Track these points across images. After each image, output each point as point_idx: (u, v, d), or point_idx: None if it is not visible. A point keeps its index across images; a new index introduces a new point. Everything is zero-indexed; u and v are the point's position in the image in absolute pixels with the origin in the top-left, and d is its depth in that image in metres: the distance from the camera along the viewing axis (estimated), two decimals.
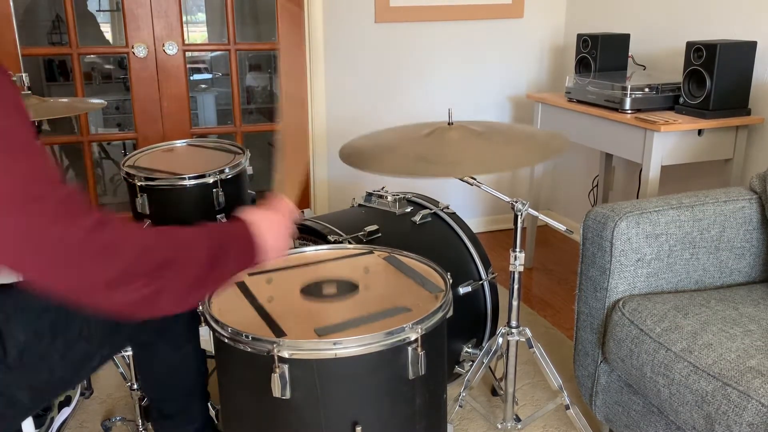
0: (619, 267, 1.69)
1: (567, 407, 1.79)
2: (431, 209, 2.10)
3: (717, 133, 2.45)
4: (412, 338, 1.20)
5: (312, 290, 1.41)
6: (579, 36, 2.96)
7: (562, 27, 3.55)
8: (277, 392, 1.16)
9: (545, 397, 2.14)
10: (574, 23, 3.47)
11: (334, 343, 1.15)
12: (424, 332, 1.21)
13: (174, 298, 0.99)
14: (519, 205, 1.67)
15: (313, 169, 3.39)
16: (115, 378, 2.26)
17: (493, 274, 2.06)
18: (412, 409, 1.26)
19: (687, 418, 1.44)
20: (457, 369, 2.05)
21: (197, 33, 5.06)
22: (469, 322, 2.03)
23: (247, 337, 1.18)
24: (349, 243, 1.81)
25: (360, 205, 2.18)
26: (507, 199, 1.70)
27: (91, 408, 2.11)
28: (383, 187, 2.19)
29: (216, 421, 1.59)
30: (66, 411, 2.02)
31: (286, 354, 1.15)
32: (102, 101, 2.36)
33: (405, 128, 1.73)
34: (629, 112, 2.50)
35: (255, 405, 1.24)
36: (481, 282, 2.03)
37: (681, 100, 2.46)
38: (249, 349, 1.18)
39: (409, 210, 2.09)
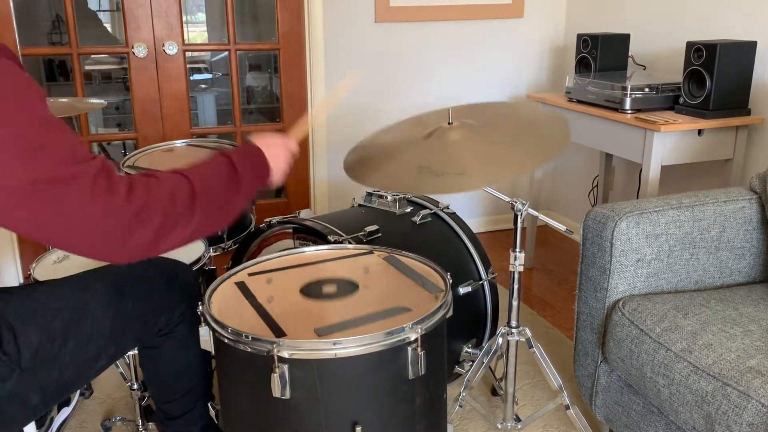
0: (619, 267, 1.69)
1: (567, 407, 1.79)
2: (431, 209, 2.10)
3: (717, 133, 2.45)
4: (412, 338, 1.20)
5: (312, 290, 1.41)
6: (579, 36, 2.96)
7: (562, 27, 3.55)
8: (277, 392, 1.16)
9: (545, 397, 2.14)
10: (574, 23, 3.47)
11: (334, 343, 1.15)
12: (424, 332, 1.21)
13: (211, 224, 1.12)
14: (519, 205, 1.67)
15: (313, 169, 3.39)
16: (115, 378, 2.26)
17: (493, 274, 2.06)
18: (412, 409, 1.26)
19: (687, 418, 1.44)
20: (457, 369, 2.05)
21: (197, 33, 5.06)
22: (469, 322, 2.03)
23: (247, 337, 1.18)
24: (349, 243, 1.81)
25: (360, 205, 2.18)
26: (507, 199, 1.70)
27: (91, 408, 2.11)
28: None
29: (216, 421, 1.59)
30: (66, 411, 2.02)
31: (286, 354, 1.15)
32: (102, 101, 2.36)
33: (404, 125, 1.73)
34: (629, 112, 2.50)
35: (255, 405, 1.24)
36: (481, 282, 2.03)
37: (681, 100, 2.46)
38: (249, 349, 1.18)
39: (409, 210, 2.09)
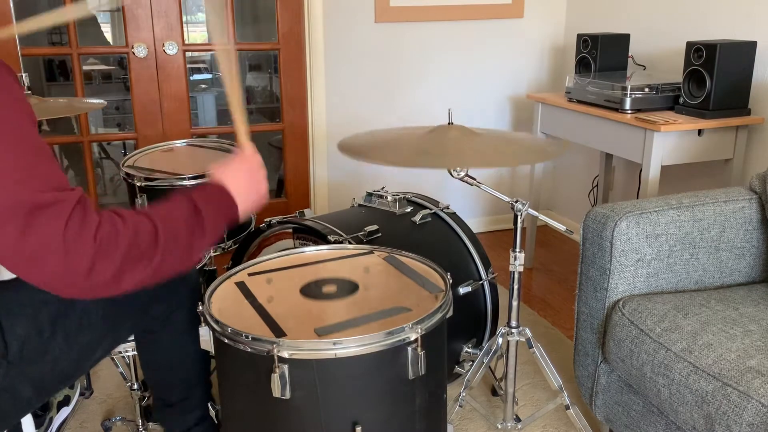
0: (619, 267, 1.69)
1: (567, 407, 1.79)
2: (431, 209, 2.10)
3: (717, 133, 2.45)
4: (412, 338, 1.20)
5: (312, 290, 1.41)
6: (579, 36, 2.96)
7: (562, 27, 3.55)
8: (277, 392, 1.16)
9: (545, 397, 2.14)
10: (574, 23, 3.47)
11: (334, 343, 1.15)
12: (424, 332, 1.21)
13: (178, 259, 1.11)
14: (519, 205, 1.67)
15: (313, 169, 3.39)
16: (115, 378, 2.26)
17: (493, 274, 2.06)
18: (412, 409, 1.26)
19: (687, 418, 1.44)
20: (457, 369, 2.05)
21: (197, 33, 5.05)
22: (469, 322, 2.03)
23: (247, 337, 1.18)
24: (349, 243, 1.81)
25: (360, 205, 2.18)
26: (507, 199, 1.70)
27: (91, 408, 2.11)
28: (383, 187, 2.19)
29: (216, 421, 1.59)
30: (65, 411, 2.02)
31: (286, 354, 1.15)
32: (102, 101, 2.36)
33: (405, 128, 1.73)
34: (629, 112, 2.50)
35: (255, 405, 1.24)
36: (481, 282, 2.03)
37: (681, 100, 2.46)
38: (249, 349, 1.18)
39: (409, 210, 2.09)
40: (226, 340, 1.22)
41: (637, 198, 2.77)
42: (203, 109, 4.75)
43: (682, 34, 2.78)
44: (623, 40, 2.90)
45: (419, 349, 1.20)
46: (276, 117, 3.55)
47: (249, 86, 4.91)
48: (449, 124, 1.64)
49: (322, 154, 3.35)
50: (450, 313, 1.32)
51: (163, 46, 3.08)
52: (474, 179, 1.74)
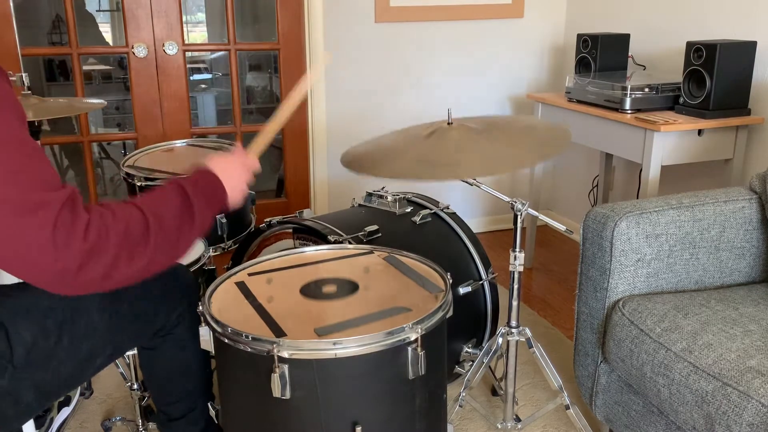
0: (619, 267, 1.69)
1: (567, 407, 1.79)
2: (431, 209, 2.10)
3: (717, 133, 2.45)
4: (412, 338, 1.20)
5: (312, 290, 1.41)
6: (579, 36, 2.96)
7: (562, 27, 3.55)
8: (277, 392, 1.16)
9: (545, 397, 2.14)
10: (574, 23, 3.47)
11: (334, 343, 1.15)
12: (424, 332, 1.21)
13: (165, 255, 1.11)
14: (519, 205, 1.67)
15: (313, 169, 3.39)
16: (115, 378, 2.26)
17: (493, 274, 2.06)
18: (412, 409, 1.26)
19: (687, 418, 1.44)
20: (457, 369, 2.05)
21: (197, 33, 5.06)
22: (469, 322, 2.03)
23: (247, 337, 1.18)
24: (349, 243, 1.81)
25: (360, 205, 2.18)
26: (507, 199, 1.70)
27: (91, 408, 2.11)
28: (383, 187, 2.19)
29: (216, 421, 1.59)
30: (66, 411, 2.02)
31: (286, 354, 1.15)
32: (102, 101, 2.36)
33: (405, 131, 1.73)
34: (629, 112, 2.50)
35: (255, 405, 1.24)
36: (481, 282, 2.03)
37: (681, 100, 2.46)
38: (249, 349, 1.18)
39: (409, 210, 2.09)
40: (226, 340, 1.22)
41: (637, 198, 2.77)
42: (203, 109, 4.75)
43: (682, 34, 2.78)
44: (623, 40, 2.90)
45: (419, 349, 1.20)
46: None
47: (249, 86, 4.91)
48: (449, 124, 1.64)
49: (322, 154, 3.35)
50: (450, 313, 1.32)
51: (163, 46, 3.08)
52: (474, 179, 1.74)
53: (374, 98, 3.36)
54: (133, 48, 3.05)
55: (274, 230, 2.01)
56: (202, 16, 5.04)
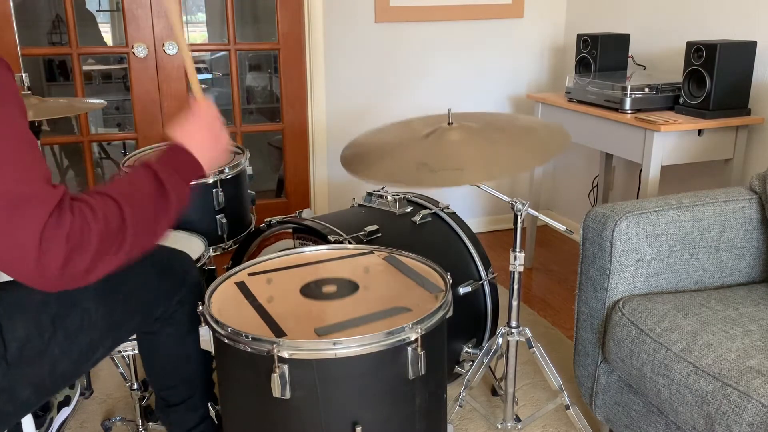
0: (619, 267, 1.69)
1: (567, 407, 1.79)
2: (431, 209, 2.10)
3: (717, 133, 2.45)
4: (412, 338, 1.20)
5: (312, 290, 1.41)
6: (579, 36, 2.96)
7: (562, 27, 3.55)
8: (277, 392, 1.16)
9: (545, 397, 2.14)
10: (574, 23, 3.47)
11: (334, 343, 1.15)
12: (424, 332, 1.21)
13: (147, 237, 1.11)
14: (519, 205, 1.67)
15: (313, 169, 3.39)
16: (115, 378, 2.26)
17: (493, 274, 2.06)
18: (412, 409, 1.26)
19: (687, 418, 1.44)
20: (457, 369, 2.05)
21: (197, 33, 5.06)
22: (469, 322, 2.03)
23: (247, 337, 1.18)
24: (349, 243, 1.81)
25: (360, 205, 2.18)
26: (507, 199, 1.70)
27: (91, 408, 2.11)
28: (383, 187, 2.19)
29: (217, 421, 1.59)
30: (66, 411, 2.02)
31: (286, 354, 1.15)
32: (102, 101, 2.36)
33: (404, 125, 1.73)
34: (629, 112, 2.50)
35: (255, 405, 1.24)
36: (481, 282, 2.03)
37: (681, 100, 2.46)
38: (249, 349, 1.18)
39: (409, 210, 2.09)
40: (226, 340, 1.22)
41: (637, 198, 2.77)
42: None
43: (682, 34, 2.79)
44: (623, 40, 2.90)
45: (419, 349, 1.20)
46: (276, 117, 3.55)
47: (249, 86, 4.91)
48: (449, 124, 1.64)
49: (322, 154, 3.35)
50: (450, 313, 1.32)
51: (163, 46, 3.08)
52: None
53: (374, 98, 3.36)
54: (133, 48, 3.05)
55: (274, 230, 2.01)
56: (202, 16, 5.05)
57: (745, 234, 1.79)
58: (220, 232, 2.12)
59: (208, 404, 1.60)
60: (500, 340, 1.80)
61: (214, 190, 2.05)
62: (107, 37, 4.66)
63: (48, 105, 2.24)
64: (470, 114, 1.78)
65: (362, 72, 3.30)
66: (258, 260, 1.57)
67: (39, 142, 2.44)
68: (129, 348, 1.63)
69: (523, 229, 1.74)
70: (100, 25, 4.59)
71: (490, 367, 1.95)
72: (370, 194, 2.16)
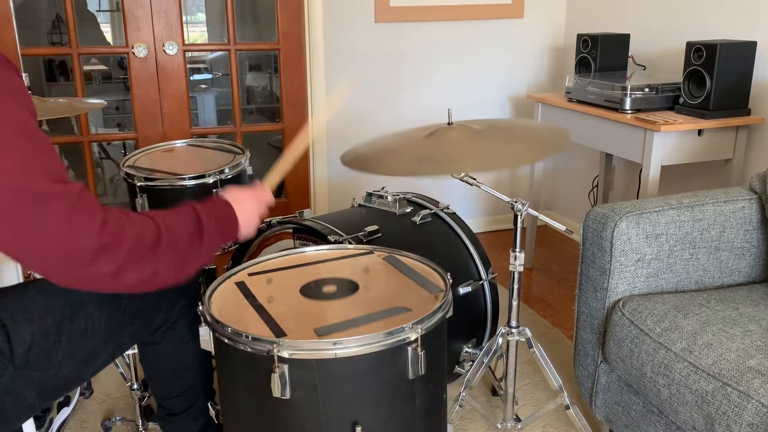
0: (619, 267, 1.69)
1: (567, 407, 1.79)
2: (431, 209, 2.10)
3: (717, 133, 2.45)
4: (412, 338, 1.20)
5: (312, 290, 1.41)
6: (579, 36, 2.97)
7: (562, 27, 3.55)
8: (277, 392, 1.16)
9: (545, 397, 2.14)
10: (574, 23, 3.47)
11: (334, 343, 1.15)
12: (424, 332, 1.21)
13: (170, 271, 1.15)
14: (519, 205, 1.67)
15: (313, 169, 3.39)
16: (115, 378, 2.26)
17: (493, 274, 2.06)
18: (412, 409, 1.26)
19: (687, 418, 1.44)
20: (457, 369, 2.05)
21: (197, 33, 5.06)
22: (469, 322, 2.03)
23: (247, 337, 1.18)
24: (349, 243, 1.81)
25: (360, 205, 2.18)
26: (507, 199, 1.70)
27: (91, 408, 2.11)
28: (383, 187, 2.19)
29: (217, 421, 1.59)
30: (66, 411, 2.02)
31: (286, 354, 1.15)
32: (102, 101, 2.36)
33: (405, 132, 1.73)
34: (629, 112, 2.50)
35: (255, 405, 1.24)
36: (481, 282, 2.03)
37: (681, 100, 2.46)
38: (249, 349, 1.18)
39: (409, 210, 2.09)
40: (226, 340, 1.22)
41: (637, 198, 2.77)
42: (203, 109, 4.75)
43: (682, 34, 2.79)
44: (623, 40, 2.90)
45: (419, 349, 1.20)
46: (276, 117, 3.55)
47: (249, 86, 4.91)
48: (449, 124, 1.64)
49: (322, 154, 3.35)
50: (450, 313, 1.32)
51: (163, 46, 3.08)
52: (474, 179, 1.74)
53: (374, 98, 3.36)
54: (133, 48, 3.05)
55: (274, 230, 2.01)
56: (202, 16, 5.05)
57: (745, 234, 1.79)
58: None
59: (209, 404, 1.60)
60: (500, 340, 1.80)
61: (214, 190, 2.05)
62: (107, 37, 4.66)
63: (48, 105, 2.24)
64: (471, 121, 1.78)
65: (362, 72, 3.30)
66: (258, 260, 1.57)
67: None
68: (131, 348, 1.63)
69: (523, 229, 1.74)
70: (100, 25, 4.59)
71: (490, 367, 1.95)
72: (370, 194, 2.16)
